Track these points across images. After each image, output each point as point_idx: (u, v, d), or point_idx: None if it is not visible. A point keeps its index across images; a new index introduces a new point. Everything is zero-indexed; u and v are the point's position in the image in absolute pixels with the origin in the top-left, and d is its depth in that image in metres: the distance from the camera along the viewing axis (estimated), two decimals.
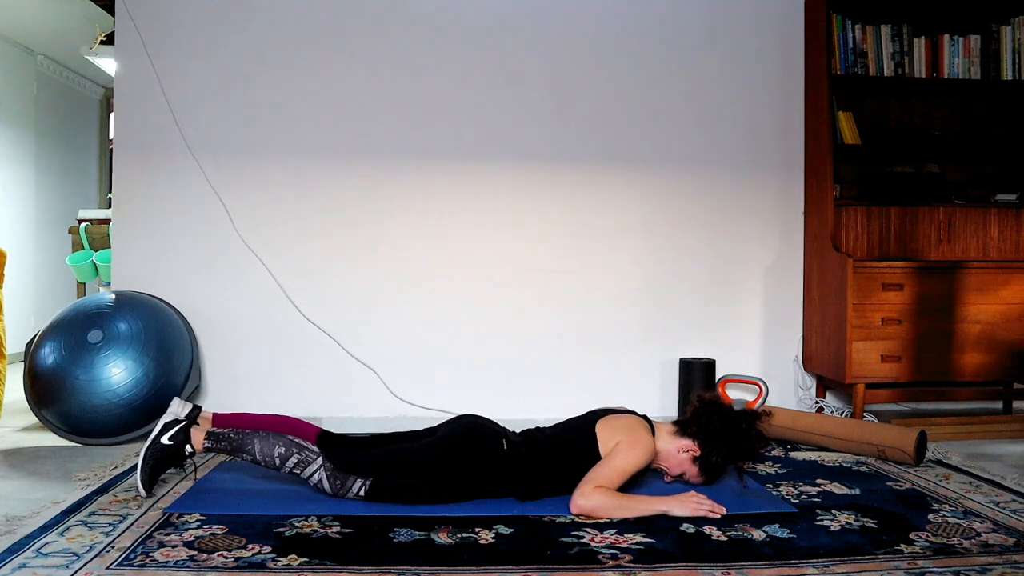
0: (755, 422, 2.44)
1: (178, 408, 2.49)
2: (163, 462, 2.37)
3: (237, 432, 2.37)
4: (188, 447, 2.37)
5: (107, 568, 1.81)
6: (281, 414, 2.67)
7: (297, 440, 2.35)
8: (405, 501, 2.29)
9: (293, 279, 3.67)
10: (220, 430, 2.40)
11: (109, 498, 2.35)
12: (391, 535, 2.06)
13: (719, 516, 2.22)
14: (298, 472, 2.33)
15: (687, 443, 2.45)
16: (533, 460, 2.37)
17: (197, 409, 2.53)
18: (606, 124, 3.80)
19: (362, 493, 2.30)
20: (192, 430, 2.40)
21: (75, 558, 1.86)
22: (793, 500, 2.43)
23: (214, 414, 2.59)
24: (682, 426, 2.48)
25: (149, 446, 2.36)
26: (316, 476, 2.32)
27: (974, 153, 3.93)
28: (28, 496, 2.40)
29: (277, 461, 2.32)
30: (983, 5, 3.79)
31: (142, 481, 2.32)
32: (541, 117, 3.77)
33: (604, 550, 1.98)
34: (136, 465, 2.41)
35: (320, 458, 2.32)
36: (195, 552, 1.92)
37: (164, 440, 2.37)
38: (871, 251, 3.86)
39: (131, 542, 1.98)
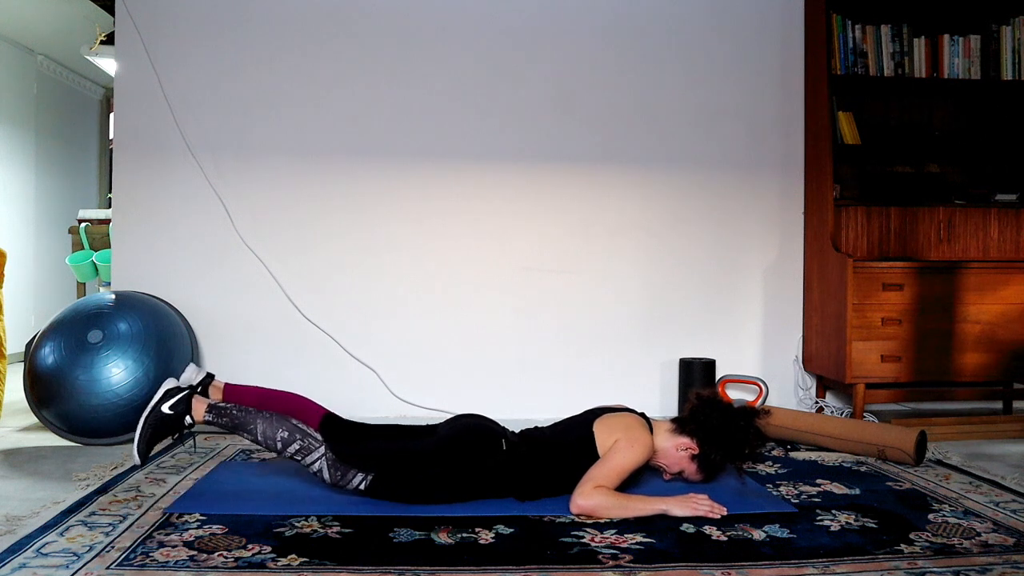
0: (753, 419, 2.43)
1: (192, 374, 2.44)
2: (161, 431, 2.32)
3: (240, 409, 2.33)
4: (188, 418, 2.34)
5: (107, 568, 1.81)
6: (290, 391, 2.62)
7: (301, 426, 2.32)
8: (405, 499, 2.29)
9: (293, 279, 3.67)
10: (224, 404, 2.35)
11: (109, 498, 2.35)
12: (391, 535, 2.06)
13: (719, 516, 2.22)
14: (299, 459, 2.31)
15: (685, 441, 2.45)
16: (532, 460, 2.37)
17: (210, 377, 2.49)
18: (606, 124, 3.80)
19: (362, 487, 2.29)
20: (194, 400, 2.36)
21: (75, 558, 1.86)
22: (793, 500, 2.43)
23: (226, 384, 2.55)
24: (680, 424, 2.48)
25: (149, 413, 2.31)
26: (317, 465, 2.31)
27: (974, 153, 3.93)
28: (28, 496, 2.39)
29: (279, 445, 2.30)
30: (983, 5, 3.79)
31: (138, 449, 2.28)
32: (541, 117, 3.77)
33: (604, 550, 1.97)
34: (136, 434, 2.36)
35: (323, 447, 2.30)
36: (195, 552, 1.92)
37: (164, 409, 2.32)
38: (871, 251, 3.86)
39: (131, 542, 1.98)
